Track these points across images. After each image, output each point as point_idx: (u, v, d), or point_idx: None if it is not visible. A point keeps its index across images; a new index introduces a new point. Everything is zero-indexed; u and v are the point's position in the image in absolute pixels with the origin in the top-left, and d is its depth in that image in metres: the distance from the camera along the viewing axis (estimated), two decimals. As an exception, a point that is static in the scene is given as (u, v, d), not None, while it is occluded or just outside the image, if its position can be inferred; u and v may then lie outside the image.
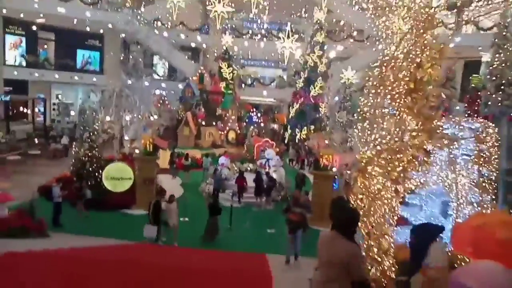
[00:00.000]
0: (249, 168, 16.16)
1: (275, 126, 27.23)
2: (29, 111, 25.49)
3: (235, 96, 25.74)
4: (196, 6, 32.42)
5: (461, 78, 27.25)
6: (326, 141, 13.36)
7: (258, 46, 31.94)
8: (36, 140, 19.68)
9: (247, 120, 25.27)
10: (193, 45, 31.69)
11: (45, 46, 28.80)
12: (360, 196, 5.41)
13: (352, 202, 5.40)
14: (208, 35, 30.93)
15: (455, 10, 27.41)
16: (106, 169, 12.31)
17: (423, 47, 5.27)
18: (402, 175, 5.19)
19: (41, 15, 25.00)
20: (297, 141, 24.42)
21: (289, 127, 25.72)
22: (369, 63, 25.08)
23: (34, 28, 26.26)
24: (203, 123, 23.33)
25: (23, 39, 26.90)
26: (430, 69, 5.26)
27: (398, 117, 5.35)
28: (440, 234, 5.37)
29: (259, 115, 25.95)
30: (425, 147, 5.09)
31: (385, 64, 5.60)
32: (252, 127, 23.63)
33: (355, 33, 30.23)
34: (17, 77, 25.19)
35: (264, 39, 31.73)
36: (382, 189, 5.26)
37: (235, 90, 26.09)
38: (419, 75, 5.23)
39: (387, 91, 5.44)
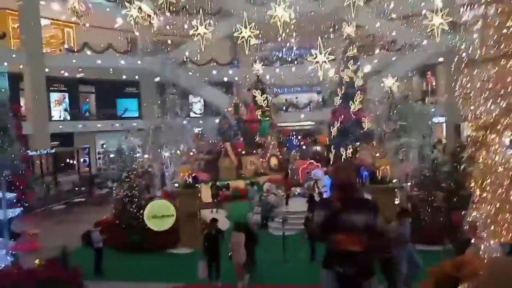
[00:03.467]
0: (296, 193, 15.07)
1: (318, 148, 26.04)
2: (75, 162, 26.24)
3: (273, 122, 25.10)
4: (224, 42, 33.02)
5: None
6: (377, 154, 12.11)
7: (289, 72, 31.62)
8: (82, 189, 19.88)
9: (287, 145, 24.37)
10: (225, 79, 31.98)
11: (87, 100, 30.19)
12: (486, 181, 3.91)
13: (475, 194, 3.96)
14: (238, 68, 31.13)
15: None
16: (147, 208, 11.82)
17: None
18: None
19: (80, 69, 26.29)
20: (343, 160, 23.01)
21: (332, 147, 24.41)
22: (408, 71, 23.75)
23: (75, 83, 27.68)
24: (243, 152, 22.71)
25: (66, 94, 28.31)
26: None
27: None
28: None
29: (299, 137, 24.97)
30: None
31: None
32: (293, 151, 22.65)
33: (387, 45, 29.21)
34: (62, 131, 26.20)
35: (295, 63, 31.40)
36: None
37: (272, 117, 25.50)
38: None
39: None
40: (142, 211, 12.02)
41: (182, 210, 12.17)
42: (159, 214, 11.74)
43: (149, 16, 13.61)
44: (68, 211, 16.60)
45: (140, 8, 13.44)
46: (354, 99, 24.15)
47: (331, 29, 30.67)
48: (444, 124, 26.99)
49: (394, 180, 10.90)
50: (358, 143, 23.30)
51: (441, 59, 25.84)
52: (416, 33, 25.08)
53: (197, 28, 17.42)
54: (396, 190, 10.95)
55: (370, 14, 26.51)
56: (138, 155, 15.03)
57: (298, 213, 12.64)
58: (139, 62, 27.09)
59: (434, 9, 16.22)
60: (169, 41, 28.86)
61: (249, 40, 18.05)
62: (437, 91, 28.80)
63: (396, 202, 10.89)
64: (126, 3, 15.84)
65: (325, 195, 13.29)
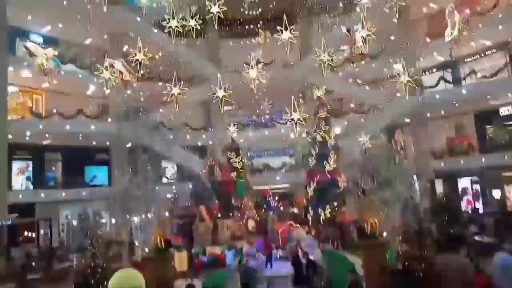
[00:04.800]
0: (279, 255, 14.06)
1: (295, 209, 25.36)
2: (34, 235, 24.05)
3: (248, 184, 24.53)
4: (197, 108, 33.41)
5: (475, 131, 26.31)
6: (364, 207, 11.64)
7: (263, 135, 31.94)
8: (35, 264, 17.79)
9: (265, 207, 23.58)
10: (199, 143, 31.73)
11: (53, 168, 28.72)
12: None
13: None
14: (212, 132, 31.15)
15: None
16: (111, 280, 10.37)
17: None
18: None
19: (47, 136, 25.32)
20: (322, 221, 22.35)
21: (310, 208, 23.82)
22: (376, 132, 24.48)
23: (41, 150, 26.49)
24: (219, 215, 21.65)
25: (30, 162, 26.87)
26: None
27: None
28: None
29: (276, 199, 24.33)
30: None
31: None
32: (271, 212, 21.85)
33: (355, 107, 30.44)
34: (22, 200, 24.35)
35: (268, 126, 31.88)
36: None
37: (247, 178, 25.00)
38: None
39: None
40: (106, 284, 10.62)
41: (152, 280, 10.86)
42: (125, 286, 10.35)
43: (121, 73, 13.41)
44: (20, 290, 14.60)
45: (112, 66, 13.27)
46: (328, 159, 24.27)
47: (300, 94, 31.86)
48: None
49: (384, 234, 10.34)
50: (336, 203, 22.93)
51: (407, 120, 26.95)
52: (382, 95, 26.32)
53: (171, 89, 17.45)
54: (386, 245, 10.32)
55: (337, 80, 27.88)
56: (103, 220, 13.83)
57: (284, 277, 11.61)
58: (110, 127, 26.51)
59: (402, 69, 17.10)
60: (141, 106, 28.78)
61: (223, 100, 18.20)
62: (405, 150, 29.57)
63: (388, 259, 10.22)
64: (97, 65, 15.78)
65: (311, 256, 12.40)
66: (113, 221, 14.73)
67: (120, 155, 27.95)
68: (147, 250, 12.72)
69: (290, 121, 17.51)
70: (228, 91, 17.64)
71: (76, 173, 28.11)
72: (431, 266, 10.13)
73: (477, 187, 25.71)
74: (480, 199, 25.00)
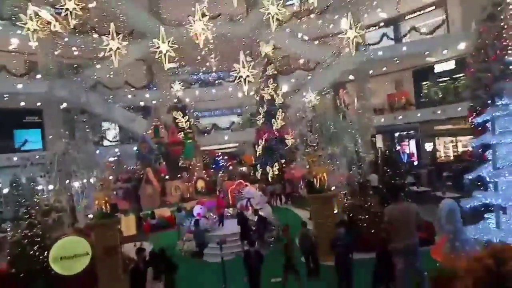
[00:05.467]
0: (229, 214, 14.06)
1: (244, 168, 25.49)
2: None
3: (196, 144, 23.98)
4: (138, 65, 31.36)
5: (413, 88, 27.65)
6: (312, 161, 11.78)
7: (209, 94, 31.06)
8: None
9: (214, 167, 23.36)
10: (141, 103, 30.17)
11: (-24, 131, 25.83)
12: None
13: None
14: (155, 90, 29.64)
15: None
16: (52, 249, 9.71)
17: None
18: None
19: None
20: (270, 178, 22.72)
21: (258, 166, 24.04)
22: (322, 89, 24.66)
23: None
24: (167, 177, 21.06)
25: None
26: None
27: None
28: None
29: (225, 159, 24.18)
30: None
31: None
32: (220, 172, 21.71)
33: (302, 64, 30.38)
34: None
35: (214, 84, 31.00)
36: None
37: (195, 138, 24.40)
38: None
39: None
40: (47, 253, 9.91)
41: (98, 246, 10.33)
42: (69, 254, 9.71)
43: (49, 23, 11.84)
44: None
45: (37, 15, 11.64)
46: (276, 117, 24.33)
47: (248, 51, 31.04)
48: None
49: (332, 188, 10.59)
50: (283, 160, 23.31)
51: (351, 77, 27.49)
52: (328, 52, 26.41)
53: (109, 43, 15.94)
54: (333, 198, 10.62)
55: (284, 36, 27.34)
56: (40, 187, 12.75)
57: (236, 235, 11.63)
58: (40, 86, 24.05)
59: (348, 25, 16.99)
60: (75, 63, 26.36)
61: (167, 56, 17.05)
62: (349, 107, 30.48)
63: (335, 211, 10.57)
64: (20, 15, 13.82)
65: (261, 212, 12.49)
66: (51, 187, 13.62)
67: (53, 116, 25.73)
68: (91, 216, 12.02)
69: (238, 79, 17.01)
70: (173, 45, 16.54)
71: (5, 138, 25.57)
72: (376, 215, 10.70)
73: (412, 141, 27.41)
74: (415, 152, 26.75)
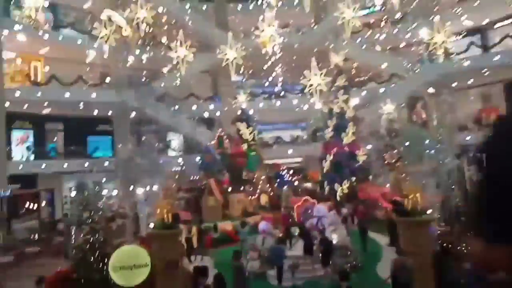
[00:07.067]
0: (296, 234, 12.72)
1: (309, 184, 23.98)
2: (35, 206, 22.99)
3: (260, 156, 23.07)
4: (204, 77, 31.62)
5: (505, 102, 24.39)
6: (404, 179, 10.17)
7: (274, 106, 30.25)
8: (36, 236, 16.71)
9: (278, 181, 22.20)
10: (206, 115, 30.20)
11: (54, 138, 27.43)
12: None
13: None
14: (220, 103, 29.55)
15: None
16: (112, 257, 9.13)
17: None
18: None
19: (46, 105, 23.86)
20: (338, 197, 20.96)
21: (325, 183, 22.39)
22: (401, 100, 22.35)
23: (41, 119, 25.13)
24: (230, 189, 20.31)
25: (31, 132, 25.56)
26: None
27: None
28: None
29: (291, 172, 22.91)
30: None
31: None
32: (285, 187, 20.47)
33: (375, 77, 28.44)
34: (22, 171, 23.15)
35: (280, 97, 30.16)
36: None
37: (259, 151, 23.51)
38: None
39: None
40: (107, 261, 9.37)
41: (159, 257, 9.57)
42: (128, 264, 9.07)
43: (120, 28, 11.73)
44: (17, 264, 13.49)
45: (110, 19, 11.57)
46: (346, 131, 22.70)
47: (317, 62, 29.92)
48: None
49: (429, 211, 8.85)
50: (354, 178, 21.47)
51: (431, 90, 25.00)
52: (403, 63, 24.34)
53: (177, 51, 15.77)
54: (431, 223, 8.84)
55: (357, 45, 25.77)
56: (105, 192, 12.49)
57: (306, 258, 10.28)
58: (112, 95, 24.90)
59: (434, 29, 15.21)
60: (144, 73, 27.05)
61: (234, 64, 16.49)
62: (428, 123, 27.81)
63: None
64: (95, 23, 14.09)
65: (334, 234, 11.00)
66: (115, 192, 13.41)
67: (123, 125, 26.49)
68: (152, 225, 11.43)
69: (309, 87, 15.89)
70: (240, 52, 15.96)
71: (78, 144, 26.80)
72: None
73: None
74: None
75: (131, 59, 26.05)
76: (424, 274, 7.59)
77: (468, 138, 23.97)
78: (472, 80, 23.63)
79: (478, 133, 23.69)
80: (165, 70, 25.62)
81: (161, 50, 25.43)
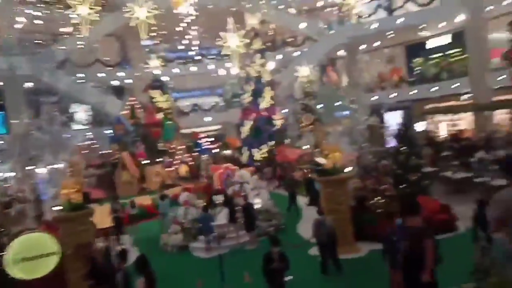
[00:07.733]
0: (219, 201, 12.46)
1: (228, 151, 23.83)
2: None
3: (177, 125, 22.08)
4: (110, 41, 28.87)
5: (405, 65, 26.42)
6: (323, 139, 10.37)
7: (189, 72, 29.02)
8: None
9: (197, 150, 21.60)
10: (115, 83, 27.86)
11: None
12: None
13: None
14: (130, 68, 27.39)
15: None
16: (11, 248, 7.92)
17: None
18: None
19: None
20: (256, 161, 21.20)
21: (245, 148, 22.44)
22: (314, 63, 22.74)
23: None
24: (145, 162, 19.18)
25: None
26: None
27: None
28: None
29: (209, 141, 22.42)
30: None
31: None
32: (204, 156, 20.00)
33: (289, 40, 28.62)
34: None
35: (196, 62, 28.95)
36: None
37: (175, 120, 22.47)
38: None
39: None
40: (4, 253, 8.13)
41: (67, 243, 8.59)
42: (32, 254, 7.96)
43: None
44: None
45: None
46: (263, 95, 22.71)
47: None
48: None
49: (347, 169, 9.18)
50: (273, 142, 21.80)
51: (340, 53, 25.98)
52: (318, 26, 24.72)
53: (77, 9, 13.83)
54: (348, 180, 9.19)
55: (271, 7, 25.38)
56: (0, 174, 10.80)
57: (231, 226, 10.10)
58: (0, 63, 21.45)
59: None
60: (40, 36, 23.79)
61: (145, 25, 15.05)
62: (338, 84, 29.01)
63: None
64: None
65: (258, 199, 10.98)
66: (12, 174, 11.66)
67: (16, 97, 23.17)
68: (58, 208, 10.20)
69: (226, 49, 15.23)
70: (152, 11, 14.49)
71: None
72: (393, 199, 9.40)
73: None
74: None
75: (21, 19, 22.54)
76: (344, 229, 7.91)
77: (374, 98, 25.73)
78: (378, 42, 24.93)
79: (382, 93, 25.50)
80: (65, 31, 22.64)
81: (59, 8, 22.31)
